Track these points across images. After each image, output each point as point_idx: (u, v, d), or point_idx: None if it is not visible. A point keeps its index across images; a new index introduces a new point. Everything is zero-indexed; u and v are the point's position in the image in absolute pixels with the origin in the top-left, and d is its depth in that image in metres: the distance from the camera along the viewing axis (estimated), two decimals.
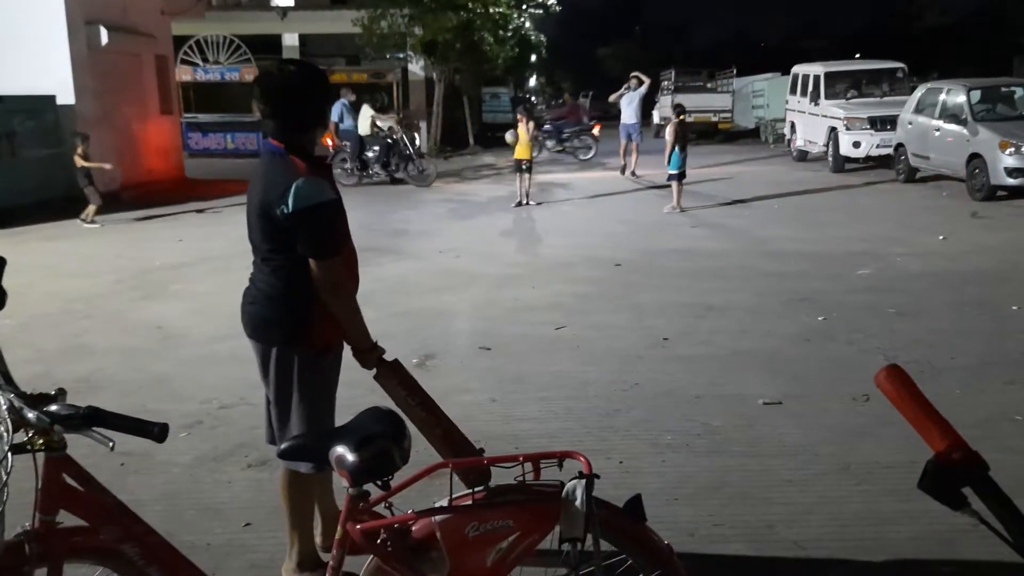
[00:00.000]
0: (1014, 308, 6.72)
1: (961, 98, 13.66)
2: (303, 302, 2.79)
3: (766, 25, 62.95)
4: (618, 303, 7.31)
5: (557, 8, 25.59)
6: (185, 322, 6.92)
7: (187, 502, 3.79)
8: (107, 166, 12.88)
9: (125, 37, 16.20)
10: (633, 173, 16.93)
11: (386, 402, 2.56)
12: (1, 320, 5.94)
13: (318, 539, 3.15)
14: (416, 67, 25.43)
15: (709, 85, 30.42)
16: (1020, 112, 13.95)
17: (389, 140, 16.55)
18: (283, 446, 2.00)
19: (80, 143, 12.40)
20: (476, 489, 1.98)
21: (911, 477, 1.51)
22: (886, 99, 17.76)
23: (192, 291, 8.05)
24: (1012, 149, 12.10)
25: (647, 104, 20.77)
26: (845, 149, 16.88)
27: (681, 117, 12.88)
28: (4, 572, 1.83)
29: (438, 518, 1.96)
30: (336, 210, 2.77)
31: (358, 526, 1.97)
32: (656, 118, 30.43)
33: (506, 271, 8.73)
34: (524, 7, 24.91)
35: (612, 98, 17.66)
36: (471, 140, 26.55)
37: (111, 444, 1.87)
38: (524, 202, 13.34)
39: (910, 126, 15.05)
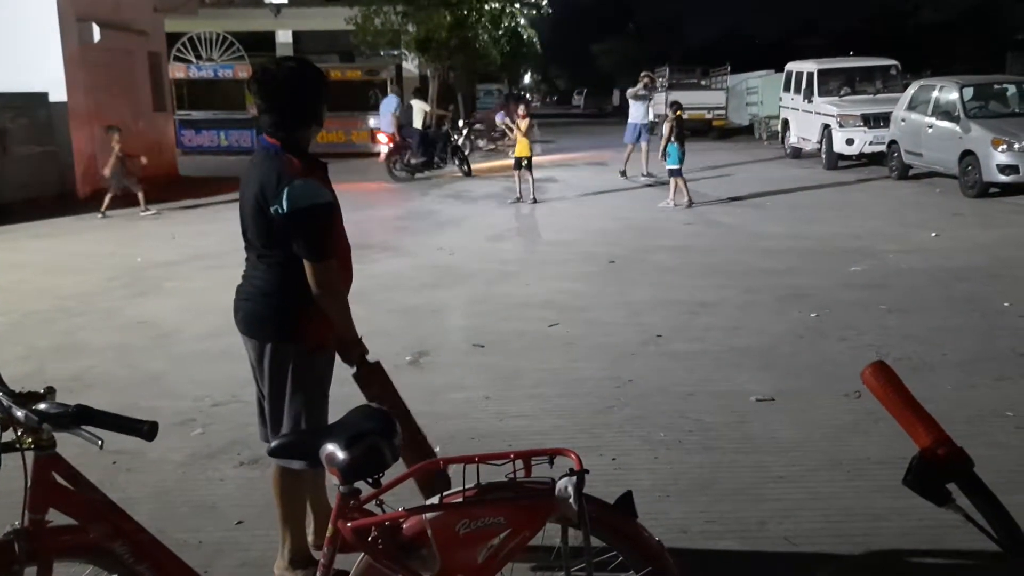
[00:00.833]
0: (1006, 305, 6.74)
1: (954, 95, 13.70)
2: (297, 299, 2.79)
3: (760, 22, 62.99)
4: (612, 300, 7.31)
5: (548, 11, 25.59)
6: (178, 319, 6.90)
7: (179, 500, 3.78)
8: (143, 159, 12.96)
9: (117, 34, 16.14)
10: (645, 173, 16.81)
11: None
12: None
13: (310, 537, 3.15)
14: (410, 64, 25.41)
15: (703, 82, 30.48)
16: (1012, 109, 14.01)
17: (445, 131, 17.50)
18: (274, 444, 2.00)
19: (115, 134, 12.62)
20: (467, 486, 1.98)
21: (902, 473, 1.52)
22: (879, 96, 17.82)
23: (185, 288, 8.03)
24: (1004, 146, 12.14)
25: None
26: (839, 146, 16.93)
27: (678, 113, 12.95)
28: None
29: (429, 515, 1.97)
30: (330, 212, 2.76)
31: (349, 524, 1.97)
32: (651, 115, 30.42)
33: (500, 268, 8.73)
34: (517, 5, 24.88)
35: (630, 92, 17.65)
36: (458, 138, 26.52)
37: (100, 443, 1.87)
38: (531, 198, 13.27)
39: (903, 123, 15.09)
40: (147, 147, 17.41)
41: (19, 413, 1.82)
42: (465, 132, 19.38)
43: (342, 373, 3.09)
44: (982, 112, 13.65)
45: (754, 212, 12.18)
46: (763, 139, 25.58)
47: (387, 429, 2.01)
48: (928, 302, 6.95)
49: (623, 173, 16.39)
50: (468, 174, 17.24)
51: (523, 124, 13.55)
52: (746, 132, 28.02)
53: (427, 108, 17.43)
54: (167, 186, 16.14)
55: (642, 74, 17.77)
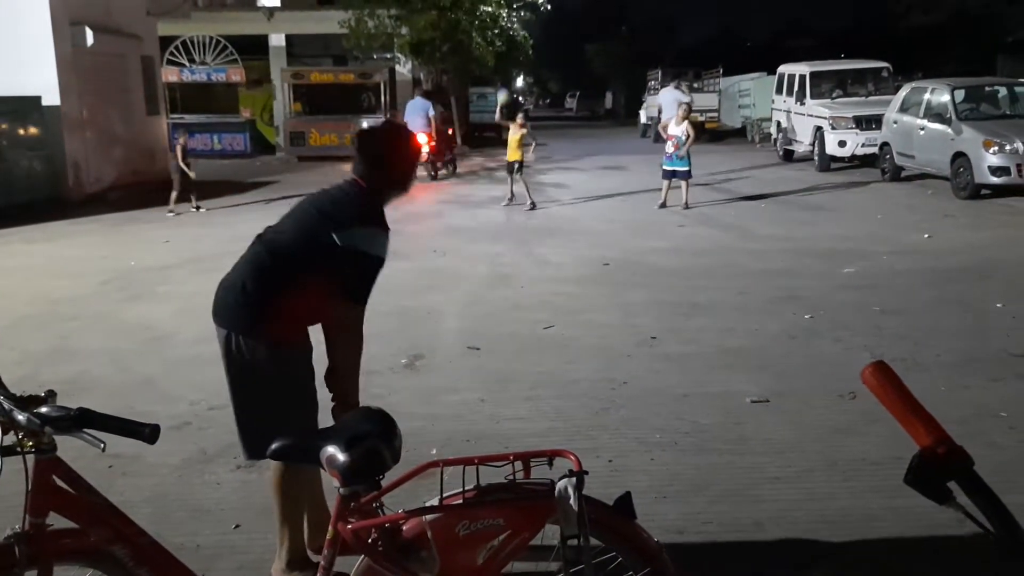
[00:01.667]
0: (999, 306, 6.78)
1: (945, 97, 13.76)
2: (274, 300, 2.83)
3: (752, 24, 63.20)
4: (606, 302, 7.33)
5: (547, 7, 25.58)
6: (172, 323, 6.89)
7: (176, 503, 3.78)
8: (192, 174, 13.21)
9: (110, 38, 16.12)
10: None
11: (375, 401, 2.56)
12: None
13: (307, 539, 3.16)
14: (403, 67, 25.40)
15: (696, 84, 30.50)
16: (1004, 111, 14.08)
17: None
18: (274, 446, 2.01)
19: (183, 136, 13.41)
20: (467, 488, 1.98)
21: (897, 474, 1.52)
22: (871, 98, 17.88)
23: (179, 292, 8.02)
24: (996, 148, 12.20)
25: (636, 104, 20.84)
26: (831, 148, 16.98)
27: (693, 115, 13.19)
28: None
29: (429, 517, 1.97)
30: (380, 267, 2.88)
31: (349, 526, 1.98)
32: (643, 118, 30.51)
33: (495, 270, 8.74)
34: (513, 7, 24.90)
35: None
36: (459, 140, 26.53)
37: (102, 445, 1.87)
38: (528, 203, 13.08)
39: (895, 125, 15.15)
40: (140, 151, 17.42)
41: (20, 416, 1.82)
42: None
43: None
44: (973, 114, 13.71)
45: (747, 214, 12.22)
46: (755, 141, 25.65)
47: (387, 431, 2.02)
48: (921, 303, 6.99)
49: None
50: (454, 173, 18.39)
51: (516, 134, 13.37)
52: (739, 134, 28.09)
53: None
54: (160, 190, 16.10)
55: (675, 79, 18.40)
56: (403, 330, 6.52)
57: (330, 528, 2.00)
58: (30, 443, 1.84)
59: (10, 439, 1.82)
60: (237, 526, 3.56)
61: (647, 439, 4.39)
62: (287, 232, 2.92)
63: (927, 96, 14.38)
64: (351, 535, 1.98)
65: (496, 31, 24.20)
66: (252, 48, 25.40)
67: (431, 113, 17.55)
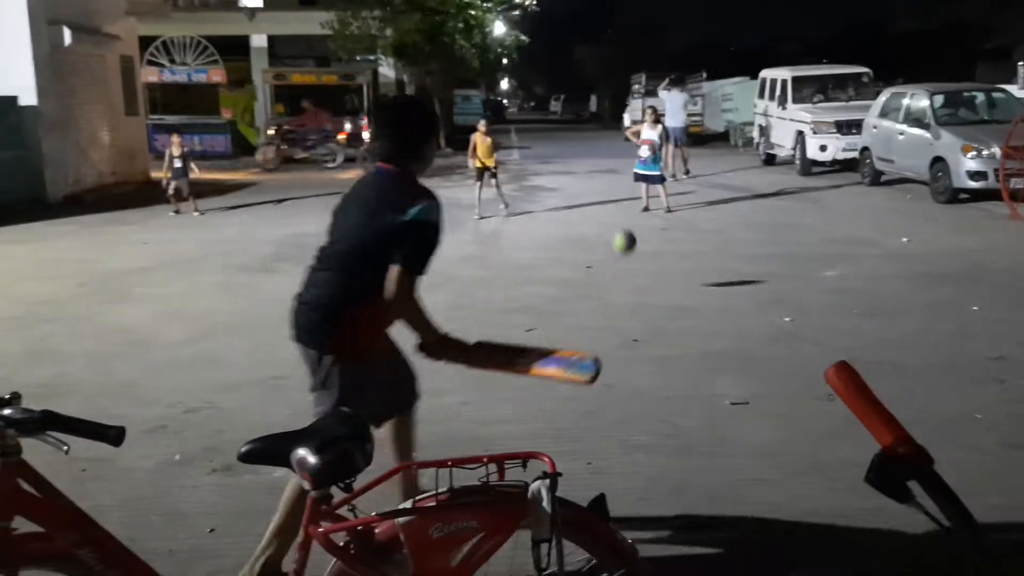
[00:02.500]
0: (975, 309, 6.82)
1: (924, 102, 13.87)
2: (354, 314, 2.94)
3: (737, 29, 63.54)
4: (589, 305, 7.32)
5: (535, 8, 25.58)
6: (150, 326, 6.83)
7: (150, 508, 3.73)
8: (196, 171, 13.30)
9: (89, 37, 15.99)
10: (686, 172, 17.42)
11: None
12: None
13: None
14: (387, 69, 25.36)
15: (680, 89, 30.59)
16: (982, 116, 14.20)
17: None
18: (243, 449, 1.98)
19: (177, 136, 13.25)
20: (440, 491, 1.97)
21: None
22: (852, 103, 18.00)
23: (158, 294, 7.95)
24: (974, 153, 12.30)
25: (620, 108, 20.96)
26: (812, 152, 17.07)
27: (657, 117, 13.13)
28: None
29: (402, 520, 1.95)
30: (439, 236, 2.98)
31: (320, 529, 1.95)
32: (626, 121, 30.57)
33: (477, 273, 8.72)
34: (499, 10, 24.89)
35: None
36: (443, 142, 26.51)
37: (66, 448, 1.84)
38: (503, 209, 12.76)
39: (875, 130, 15.26)
40: (119, 152, 17.29)
41: None
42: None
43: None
44: (952, 119, 13.82)
45: (729, 217, 12.26)
46: (738, 145, 25.76)
47: (359, 434, 1.99)
48: (900, 306, 7.03)
49: (680, 173, 17.07)
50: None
51: (486, 140, 12.74)
52: (722, 138, 28.20)
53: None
54: (139, 192, 15.99)
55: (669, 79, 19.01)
56: None
57: (301, 531, 1.98)
58: None
59: None
60: (212, 530, 3.52)
61: (629, 442, 4.38)
62: (346, 240, 2.97)
63: (906, 101, 14.49)
64: (323, 538, 1.96)
65: (481, 35, 24.19)
66: (233, 49, 25.27)
67: None
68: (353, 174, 18.54)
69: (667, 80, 19.32)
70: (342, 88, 23.27)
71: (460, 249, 10.13)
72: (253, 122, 25.01)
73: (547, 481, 1.90)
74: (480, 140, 12.72)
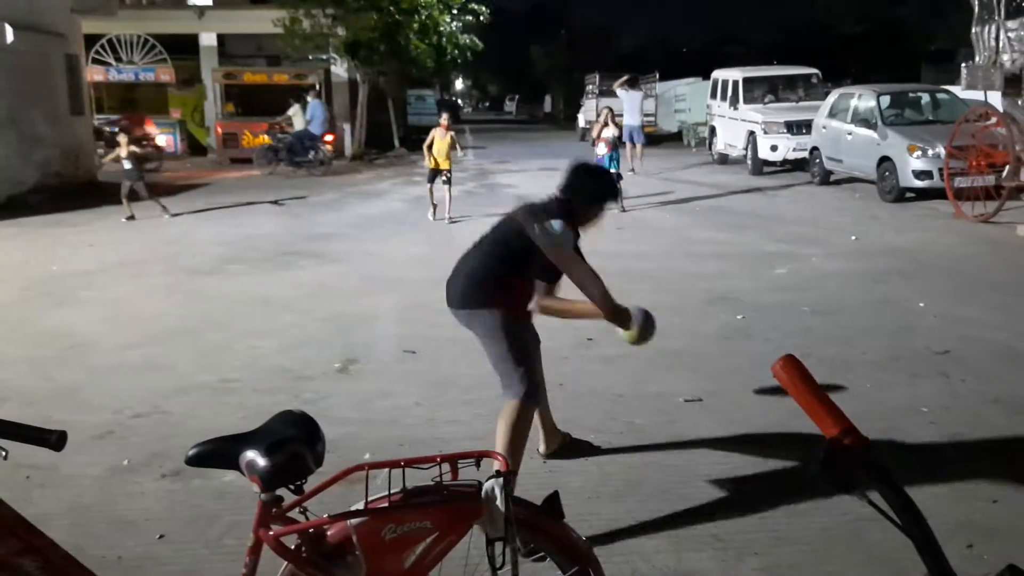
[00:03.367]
0: (921, 305, 6.98)
1: (871, 103, 14.15)
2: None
3: (686, 33, 64.20)
4: None
5: (488, 17, 25.52)
6: (96, 330, 6.68)
7: (98, 515, 3.65)
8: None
9: (32, 35, 15.61)
10: (631, 170, 17.36)
11: (307, 407, 2.51)
12: None
13: (542, 447, 4.12)
14: (339, 69, 25.12)
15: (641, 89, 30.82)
16: (927, 117, 14.53)
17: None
18: (190, 453, 1.94)
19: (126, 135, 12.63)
20: (393, 491, 1.95)
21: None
22: (802, 104, 18.30)
23: (103, 298, 7.78)
24: (919, 152, 12.58)
25: (575, 108, 21.12)
26: (763, 152, 17.32)
27: (616, 121, 13.27)
28: None
29: (354, 521, 1.93)
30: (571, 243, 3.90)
31: (271, 532, 1.93)
32: (581, 121, 30.73)
33: (430, 274, 8.62)
34: (454, 12, 24.78)
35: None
36: (396, 143, 26.37)
37: (4, 453, 1.79)
38: (447, 216, 12.17)
39: (824, 130, 15.53)
40: (64, 152, 16.90)
41: None
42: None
43: (269, 384, 3.01)
44: (898, 120, 14.12)
45: (682, 217, 12.38)
46: (691, 145, 26.04)
47: (309, 435, 1.97)
48: (848, 303, 7.16)
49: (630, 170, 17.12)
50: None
51: (445, 137, 12.07)
52: (675, 139, 28.48)
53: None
54: (85, 193, 15.64)
55: (623, 79, 19.03)
56: (337, 334, 6.44)
57: (251, 535, 1.95)
58: None
59: None
60: (161, 536, 3.46)
61: (583, 440, 4.39)
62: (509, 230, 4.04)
63: (854, 102, 14.77)
64: (273, 541, 1.93)
65: (436, 36, 24.09)
66: (182, 47, 24.83)
67: (326, 116, 19.33)
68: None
69: (624, 80, 19.44)
70: (294, 87, 23.01)
71: (412, 250, 10.09)
72: (203, 122, 24.63)
73: (500, 480, 1.90)
74: (439, 136, 12.06)
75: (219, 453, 1.96)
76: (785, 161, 17.37)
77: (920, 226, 11.11)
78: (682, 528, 3.46)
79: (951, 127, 11.96)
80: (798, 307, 7.03)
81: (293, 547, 1.95)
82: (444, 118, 12.52)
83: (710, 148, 21.20)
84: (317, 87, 22.49)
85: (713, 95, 20.59)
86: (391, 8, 21.58)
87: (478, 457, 2.01)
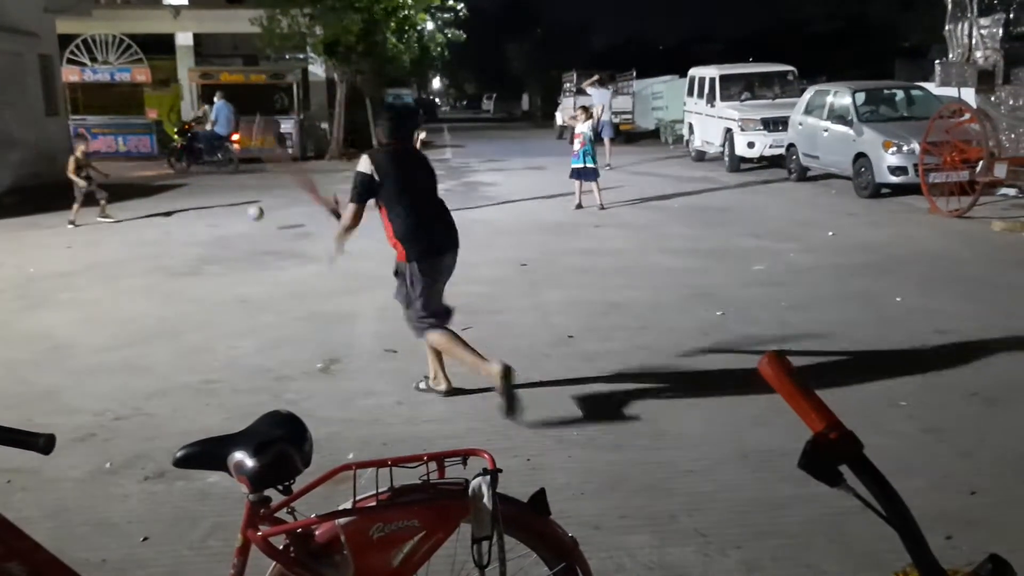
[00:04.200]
0: (898, 300, 7.06)
1: (847, 100, 14.29)
2: None
3: (659, 30, 64.38)
4: (524, 302, 7.36)
5: (464, 14, 25.52)
6: (74, 332, 6.63)
7: (80, 518, 3.63)
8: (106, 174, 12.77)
9: (5, 35, 15.44)
10: (608, 165, 17.64)
11: (289, 407, 2.51)
12: None
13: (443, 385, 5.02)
14: (317, 68, 25.01)
15: (610, 87, 30.88)
16: (901, 113, 14.68)
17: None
18: (178, 454, 1.95)
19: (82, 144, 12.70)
20: (380, 490, 1.96)
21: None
22: (778, 101, 18.43)
23: (81, 299, 7.72)
24: (895, 148, 12.71)
25: (552, 106, 21.26)
26: (740, 149, 17.43)
27: (588, 113, 13.26)
28: None
29: (341, 521, 1.94)
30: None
31: (259, 532, 1.93)
32: (559, 119, 30.76)
33: None
34: (432, 13, 24.76)
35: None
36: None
37: None
38: None
39: (800, 127, 15.66)
40: (39, 153, 16.71)
41: None
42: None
43: (252, 384, 3.01)
44: (874, 116, 14.26)
45: (661, 214, 12.45)
46: (668, 143, 26.16)
47: (297, 435, 1.97)
48: (825, 298, 7.23)
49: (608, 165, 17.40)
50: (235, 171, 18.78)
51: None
52: (652, 136, 28.60)
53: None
54: (61, 194, 15.46)
55: (593, 78, 19.39)
56: (318, 334, 6.43)
57: (239, 535, 1.95)
58: None
59: None
60: (145, 539, 3.44)
61: (565, 437, 4.42)
62: (432, 187, 5.13)
63: (830, 99, 14.90)
64: (262, 542, 1.93)
65: (415, 36, 24.04)
66: (158, 47, 24.63)
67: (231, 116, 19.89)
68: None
69: (594, 79, 19.75)
70: (271, 87, 22.90)
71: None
72: (180, 122, 24.45)
73: (487, 478, 1.91)
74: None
75: (207, 454, 1.96)
76: (762, 158, 17.50)
77: (895, 221, 11.23)
78: (665, 523, 3.50)
79: (926, 123, 12.09)
80: (775, 302, 7.10)
81: (281, 547, 1.95)
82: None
83: (687, 145, 21.31)
84: (294, 86, 22.43)
85: (690, 92, 20.69)
86: (370, 8, 21.49)
87: (465, 455, 2.02)
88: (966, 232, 10.26)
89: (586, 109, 13.46)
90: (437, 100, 71.32)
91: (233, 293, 7.85)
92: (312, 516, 1.97)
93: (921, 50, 29.69)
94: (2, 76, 15.59)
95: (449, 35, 25.41)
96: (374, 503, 1.95)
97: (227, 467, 1.91)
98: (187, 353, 6.01)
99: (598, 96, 19.04)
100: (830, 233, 10.29)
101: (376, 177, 4.79)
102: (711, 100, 19.00)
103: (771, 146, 16.98)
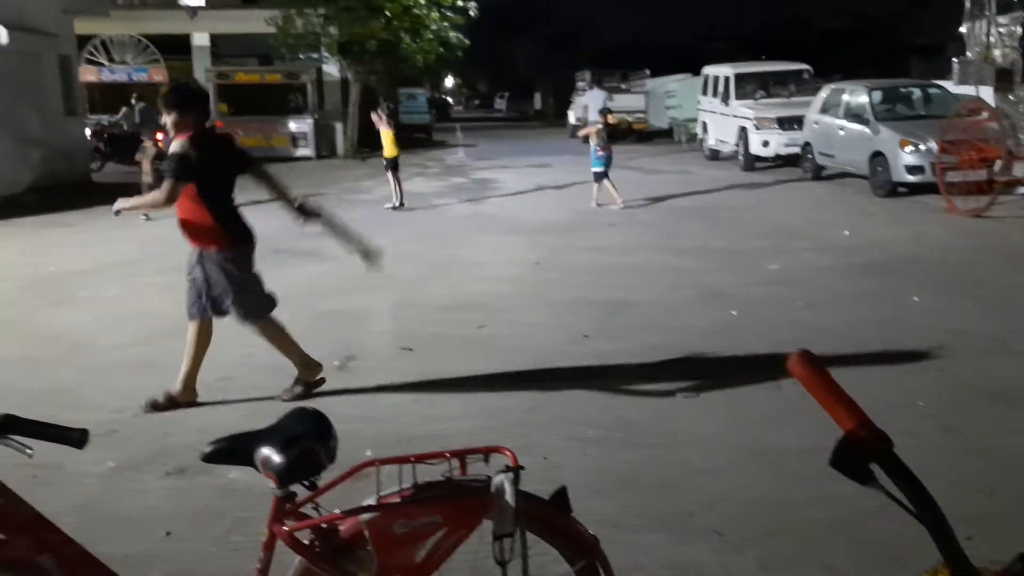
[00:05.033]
0: (915, 299, 7.03)
1: (864, 98, 14.22)
2: None
3: (667, 28, 64.04)
4: (537, 301, 7.38)
5: (474, 13, 25.49)
6: (93, 329, 6.69)
7: (102, 513, 3.68)
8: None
9: (25, 36, 15.56)
10: None
11: (307, 404, 2.54)
12: None
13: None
14: (331, 68, 25.11)
15: (623, 86, 30.88)
16: (918, 112, 14.59)
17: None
18: (207, 449, 1.98)
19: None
20: (403, 487, 1.98)
21: (820, 462, 1.55)
22: (793, 99, 18.33)
23: (99, 297, 7.79)
24: (912, 147, 12.64)
25: (564, 105, 21.42)
26: (755, 148, 17.38)
27: (607, 117, 13.39)
28: None
29: (365, 516, 1.96)
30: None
31: (285, 527, 1.96)
32: (571, 118, 30.76)
33: (422, 271, 8.70)
34: (441, 9, 24.78)
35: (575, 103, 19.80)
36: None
37: (30, 452, 1.82)
38: (397, 202, 13.38)
39: (816, 126, 15.59)
40: (58, 152, 16.85)
41: None
42: None
43: (276, 382, 3.03)
44: (890, 114, 14.19)
45: (674, 213, 12.44)
46: (682, 142, 26.09)
47: (322, 432, 2.00)
48: (841, 298, 7.21)
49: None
50: None
51: (388, 129, 13.88)
52: (666, 135, 28.52)
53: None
54: (80, 193, 15.60)
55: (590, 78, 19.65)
56: (334, 332, 6.46)
57: (265, 530, 1.98)
58: None
59: None
60: (168, 534, 3.49)
61: (579, 435, 4.44)
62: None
63: (846, 97, 14.84)
64: (287, 537, 1.96)
65: (429, 36, 24.07)
66: (175, 47, 24.80)
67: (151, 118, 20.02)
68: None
69: (588, 79, 20.37)
70: (286, 87, 23.00)
71: (402, 245, 10.11)
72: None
73: (510, 475, 1.93)
74: (384, 128, 13.70)
75: (234, 450, 1.99)
76: (777, 157, 17.43)
77: (912, 221, 11.18)
78: (681, 521, 3.51)
79: (943, 122, 12.03)
80: (791, 302, 7.08)
81: (307, 542, 1.98)
82: (381, 112, 14.23)
83: (701, 144, 21.25)
84: (309, 86, 22.52)
85: (704, 91, 20.64)
86: (384, 7, 21.57)
87: (487, 452, 2.04)
88: (983, 232, 10.21)
89: (608, 111, 13.73)
90: (450, 99, 71.36)
91: None
92: (337, 512, 1.99)
93: (937, 48, 29.49)
94: (22, 76, 15.72)
95: (455, 39, 25.40)
96: (398, 499, 1.97)
97: (254, 463, 1.94)
98: None
99: (592, 97, 19.26)
100: (846, 232, 10.25)
101: (193, 156, 4.63)
102: (726, 99, 18.95)
103: (786, 145, 16.92)
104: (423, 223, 11.97)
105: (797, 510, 3.57)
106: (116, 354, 6.02)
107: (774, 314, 6.74)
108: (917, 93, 15.33)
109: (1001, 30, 10.76)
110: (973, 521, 3.38)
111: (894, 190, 13.03)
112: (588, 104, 19.26)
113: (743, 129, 17.80)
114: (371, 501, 1.99)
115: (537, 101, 59.46)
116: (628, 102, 28.91)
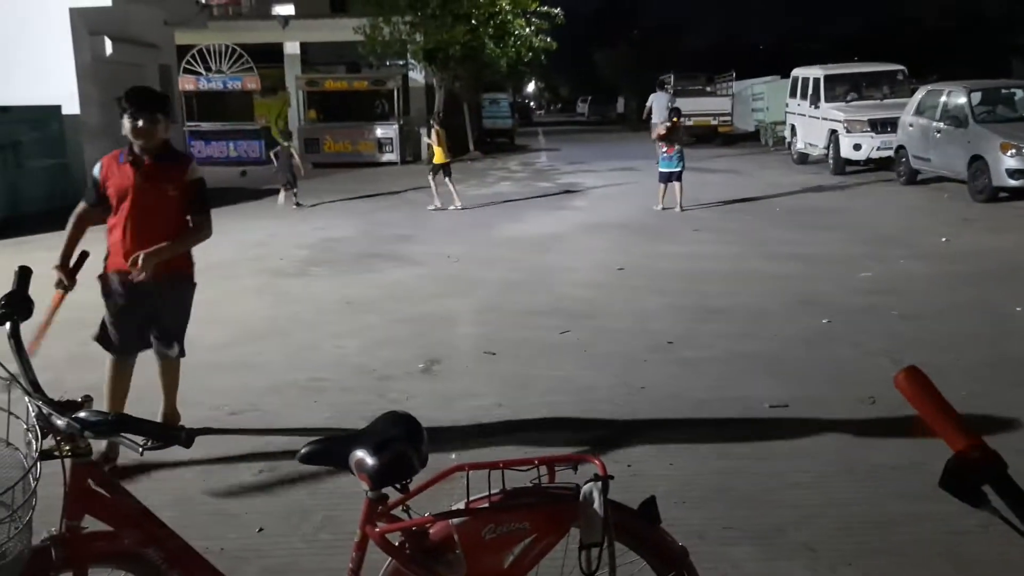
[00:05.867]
0: (1018, 309, 6.74)
1: (962, 100, 13.71)
2: None
3: (758, 29, 62.87)
4: (621, 307, 7.34)
5: (562, 19, 25.53)
6: (191, 330, 6.91)
7: (200, 508, 3.81)
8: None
9: (129, 47, 16.29)
10: None
11: (392, 407, 2.58)
12: (24, 328, 5.95)
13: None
14: (417, 74, 25.50)
15: (708, 88, 30.50)
16: (1020, 114, 14.00)
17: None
18: (303, 450, 2.04)
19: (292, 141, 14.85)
20: (492, 492, 2.00)
21: (916, 479, 1.52)
22: (886, 101, 17.82)
23: (197, 300, 8.03)
24: (1013, 151, 12.14)
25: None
26: (846, 152, 16.93)
27: (675, 120, 13.26)
28: None
29: (455, 521, 1.99)
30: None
31: (377, 529, 2.00)
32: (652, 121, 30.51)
33: (508, 276, 8.76)
34: (528, 18, 24.93)
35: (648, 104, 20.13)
36: (471, 146, 26.62)
37: (140, 450, 1.91)
38: (440, 205, 13.73)
39: (911, 128, 15.10)
40: None
41: (60, 422, 1.85)
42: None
43: (358, 383, 3.10)
44: (990, 117, 13.65)
45: (761, 218, 12.20)
46: (769, 145, 25.61)
47: (414, 436, 2.04)
48: (938, 308, 6.96)
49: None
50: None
51: (436, 137, 14.14)
52: (752, 138, 28.04)
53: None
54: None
55: (660, 79, 19.66)
56: (419, 336, 6.56)
57: (358, 531, 2.03)
58: (67, 448, 1.88)
59: (48, 443, 1.85)
60: (261, 529, 3.59)
61: (666, 444, 4.40)
62: None
63: (943, 99, 14.33)
64: (379, 538, 2.00)
65: (514, 42, 24.24)
66: (267, 56, 25.58)
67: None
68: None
69: (663, 83, 20.62)
70: (373, 93, 23.46)
71: (487, 250, 10.19)
72: (287, 127, 25.28)
73: (599, 484, 1.93)
74: (435, 138, 14.15)
75: (330, 452, 2.05)
76: (869, 160, 16.95)
77: (1015, 227, 10.72)
78: (772, 536, 3.44)
79: None
80: (886, 311, 6.87)
81: (397, 544, 2.02)
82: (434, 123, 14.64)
83: (789, 147, 20.81)
84: (395, 92, 22.90)
85: (793, 93, 20.22)
86: (470, 15, 21.82)
87: (576, 461, 2.04)
88: None
89: (679, 111, 13.65)
90: (532, 104, 71.64)
91: (338, 294, 8.08)
92: (427, 515, 2.02)
93: None
94: (125, 85, 16.32)
95: (541, 42, 25.47)
96: (487, 504, 1.99)
97: (348, 465, 1.98)
98: (296, 352, 6.23)
99: (656, 100, 19.34)
100: (943, 239, 9.89)
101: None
102: (815, 101, 18.52)
103: (879, 148, 16.43)
104: (504, 228, 12.03)
105: (894, 528, 3.46)
106: (214, 354, 6.21)
107: (868, 323, 6.54)
108: (1019, 94, 14.69)
109: None
110: None
111: (995, 195, 12.52)
112: (652, 107, 19.44)
113: (833, 132, 17.36)
114: (460, 505, 2.01)
115: (620, 105, 59.15)
116: (712, 105, 28.54)
